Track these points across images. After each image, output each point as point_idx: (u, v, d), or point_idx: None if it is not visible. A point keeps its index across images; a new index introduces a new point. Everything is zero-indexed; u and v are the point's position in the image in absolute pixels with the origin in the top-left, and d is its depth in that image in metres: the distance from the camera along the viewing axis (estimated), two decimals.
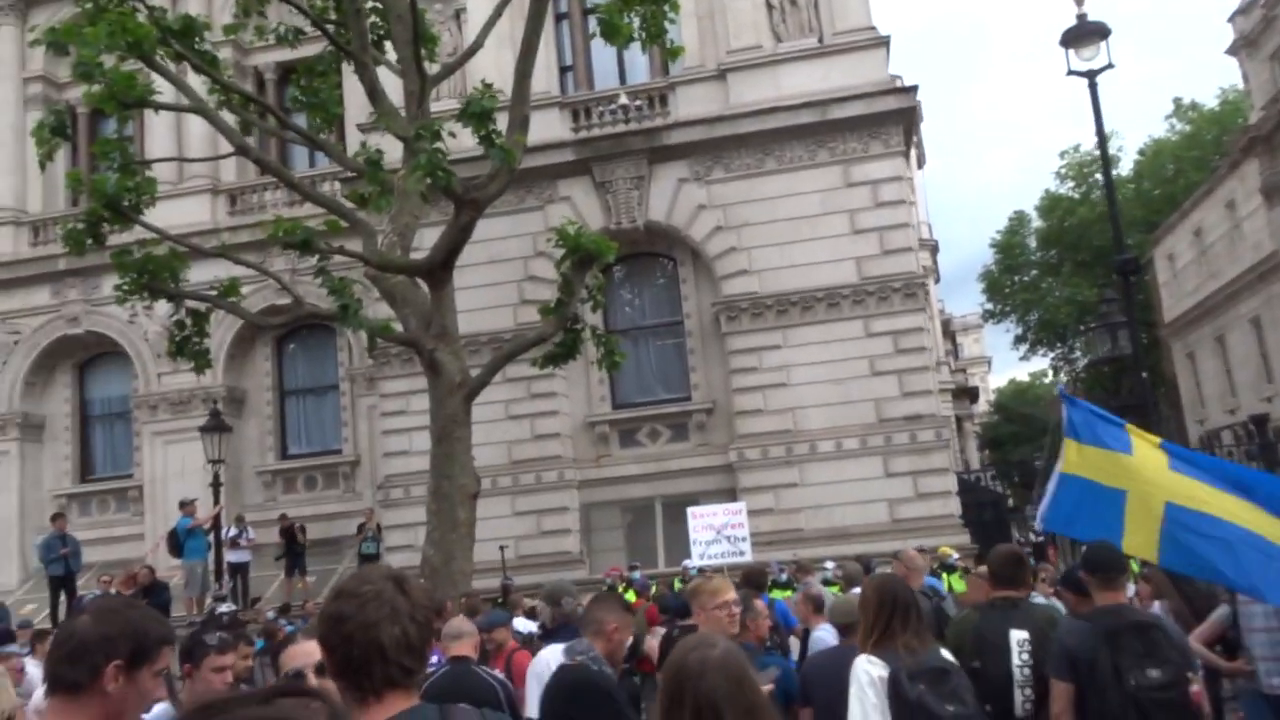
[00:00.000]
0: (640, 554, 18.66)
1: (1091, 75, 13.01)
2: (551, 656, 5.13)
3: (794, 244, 18.37)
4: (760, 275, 18.56)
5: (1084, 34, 13.10)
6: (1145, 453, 5.52)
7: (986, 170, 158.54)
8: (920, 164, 44.63)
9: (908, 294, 18.20)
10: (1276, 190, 39.12)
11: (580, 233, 12.74)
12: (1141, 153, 60.13)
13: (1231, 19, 40.56)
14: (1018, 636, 4.96)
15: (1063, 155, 61.74)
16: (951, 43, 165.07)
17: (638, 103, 19.44)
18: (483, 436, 12.76)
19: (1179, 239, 50.58)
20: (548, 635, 5.81)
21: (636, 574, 16.25)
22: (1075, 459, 5.64)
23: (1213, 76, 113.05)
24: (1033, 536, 23.02)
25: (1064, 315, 57.94)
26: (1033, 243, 63.87)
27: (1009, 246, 64.03)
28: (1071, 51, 13.35)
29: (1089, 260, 56.00)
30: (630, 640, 4.78)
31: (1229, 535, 5.11)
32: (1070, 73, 13.14)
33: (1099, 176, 58.81)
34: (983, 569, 6.59)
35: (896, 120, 18.63)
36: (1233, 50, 41.02)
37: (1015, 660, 4.92)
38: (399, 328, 13.01)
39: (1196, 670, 4.62)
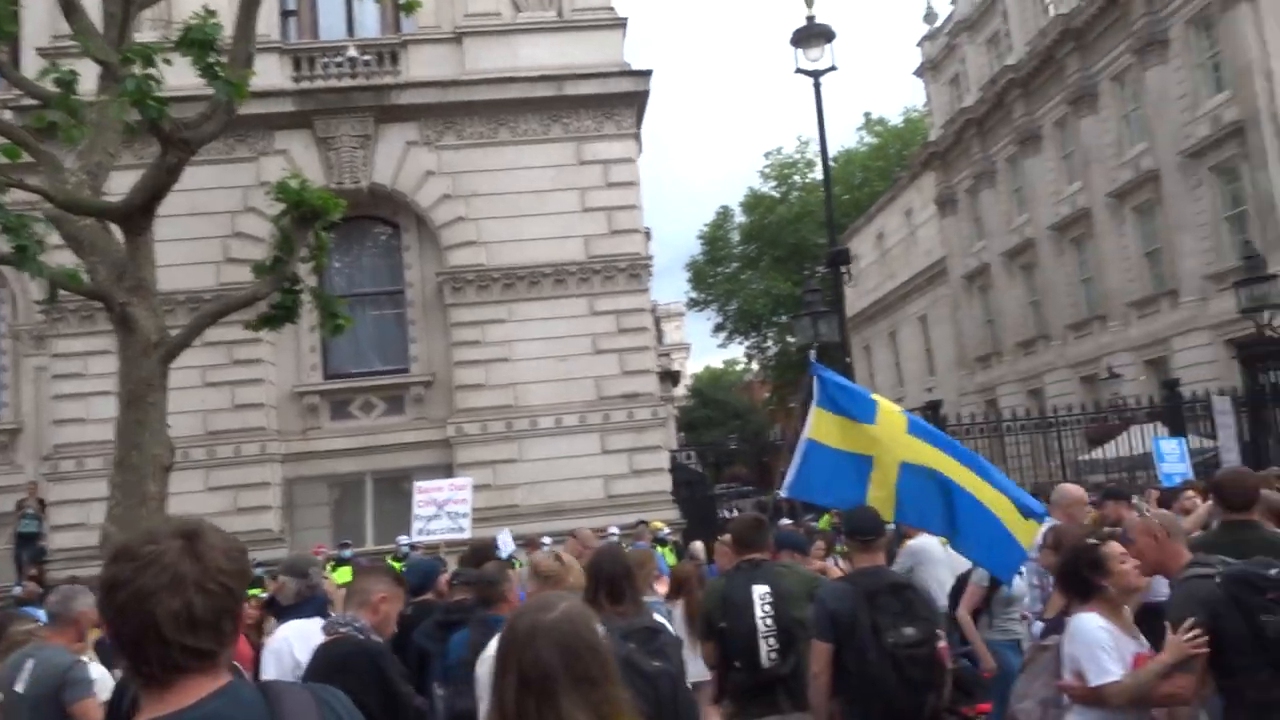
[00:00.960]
0: (348, 532, 17.83)
1: (817, 75, 13.77)
2: (296, 633, 4.66)
3: (524, 218, 18.17)
4: (488, 247, 18.21)
5: (812, 35, 13.83)
6: (888, 420, 5.82)
7: (698, 164, 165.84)
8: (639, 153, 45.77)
9: (632, 275, 18.51)
10: (949, 202, 43.47)
11: (304, 186, 11.84)
12: (834, 160, 64.87)
13: (920, 43, 44.55)
14: (759, 591, 5.13)
15: (767, 156, 65.85)
16: (673, 34, 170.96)
17: (366, 57, 18.46)
18: (174, 405, 11.54)
19: (863, 241, 55.08)
20: (285, 611, 5.27)
21: (348, 552, 15.49)
22: (824, 427, 5.83)
23: (900, 95, 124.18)
24: (735, 513, 24.24)
25: (760, 306, 61.67)
26: (736, 237, 67.34)
27: (714, 239, 67.16)
28: (800, 51, 14.07)
29: (785, 256, 59.89)
30: (398, 611, 4.40)
31: (959, 502, 5.51)
32: (798, 71, 13.86)
33: (798, 178, 63.05)
34: (727, 537, 6.74)
35: (630, 102, 18.86)
36: (919, 72, 45.09)
37: (758, 613, 5.07)
38: (86, 278, 11.53)
39: (942, 627, 4.92)
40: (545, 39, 18.66)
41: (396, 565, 13.72)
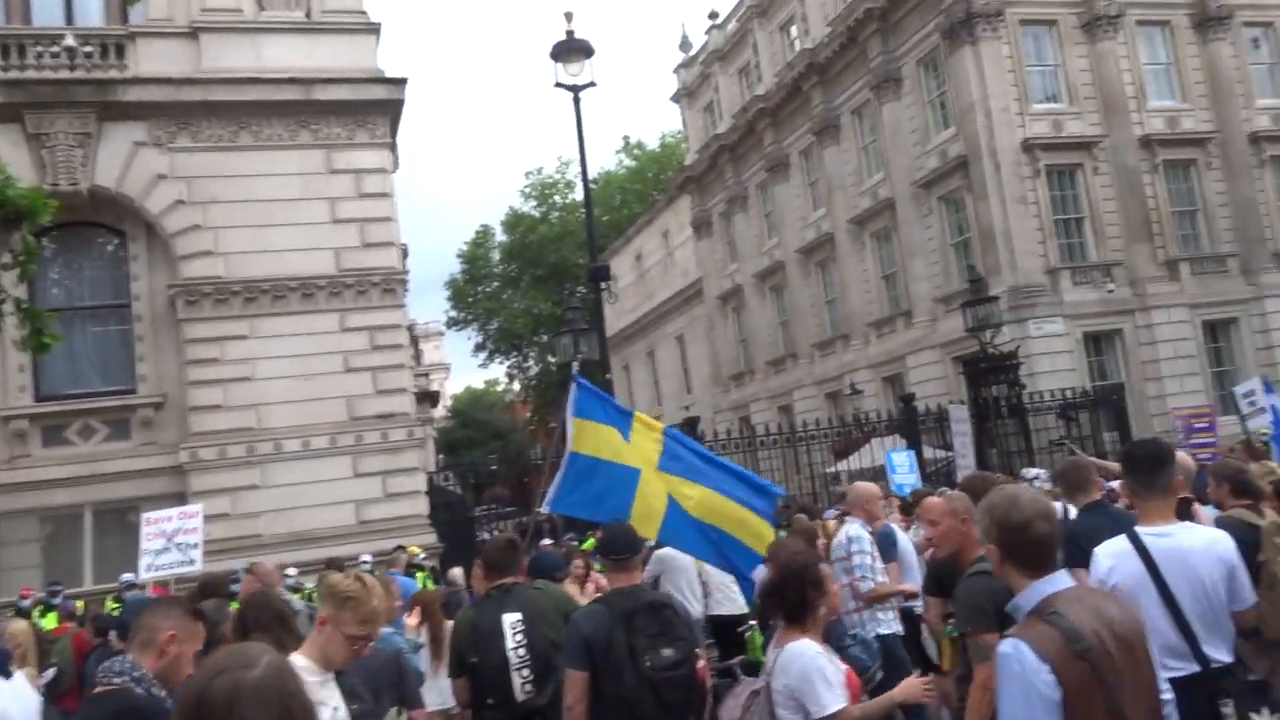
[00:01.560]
0: (62, 571, 15.97)
1: (576, 90, 13.67)
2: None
3: (268, 227, 17.00)
4: (227, 258, 16.90)
5: (571, 50, 13.72)
6: (642, 446, 5.63)
7: (458, 181, 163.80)
8: (394, 166, 44.51)
9: (386, 289, 17.73)
10: (704, 225, 44.83)
11: (8, 184, 10.51)
12: (594, 182, 65.59)
13: (676, 70, 45.81)
14: (510, 619, 4.81)
15: (528, 175, 65.92)
16: (433, 46, 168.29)
17: (88, 49, 16.75)
18: None
19: (622, 262, 55.93)
20: None
21: (59, 597, 13.85)
22: (587, 439, 5.58)
23: (658, 120, 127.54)
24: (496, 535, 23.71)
25: (521, 325, 61.42)
26: (496, 256, 66.81)
27: (474, 258, 66.36)
28: (560, 65, 13.93)
29: (546, 275, 59.96)
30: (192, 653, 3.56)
31: (711, 535, 5.48)
32: (558, 85, 13.71)
33: (558, 199, 63.36)
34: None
35: (384, 111, 18.10)
36: (676, 98, 46.34)
37: (509, 643, 4.74)
38: None
39: (700, 645, 4.74)
40: (291, 40, 17.60)
41: (114, 606, 12.39)
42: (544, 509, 5.82)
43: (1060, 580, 2.85)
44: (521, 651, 4.74)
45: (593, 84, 13.71)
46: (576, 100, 13.61)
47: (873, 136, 32.24)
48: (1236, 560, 3.96)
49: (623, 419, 5.66)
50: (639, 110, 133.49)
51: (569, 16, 13.82)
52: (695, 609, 9.08)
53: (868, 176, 32.65)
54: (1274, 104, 29.54)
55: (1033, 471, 7.46)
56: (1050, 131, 27.24)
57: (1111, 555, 3.98)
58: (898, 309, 31.32)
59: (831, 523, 9.02)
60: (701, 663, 4.52)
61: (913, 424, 18.93)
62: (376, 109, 17.98)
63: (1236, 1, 29.26)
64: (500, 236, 65.95)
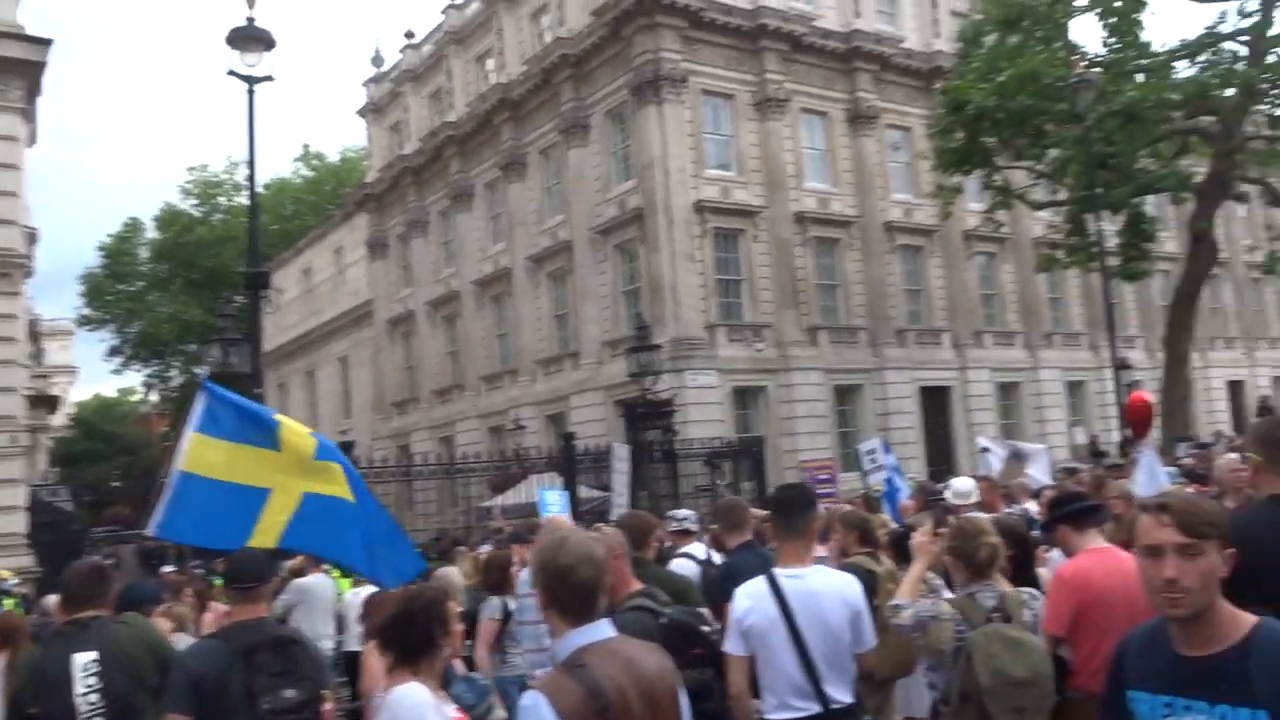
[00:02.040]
0: None
1: (252, 81, 12.71)
2: None
3: None
4: None
5: (250, 38, 12.75)
6: (293, 444, 5.09)
7: (105, 170, 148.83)
8: (31, 141, 39.61)
9: (2, 273, 15.57)
10: (380, 245, 43.57)
11: None
12: (267, 187, 61.93)
13: (366, 84, 44.45)
14: (82, 660, 4.13)
15: (192, 171, 61.11)
16: (96, 13, 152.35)
17: None
18: None
19: (289, 275, 53.13)
20: None
21: None
22: (205, 456, 4.95)
23: (342, 133, 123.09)
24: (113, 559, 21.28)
25: (167, 331, 56.60)
26: (145, 253, 61.33)
27: (119, 253, 60.56)
28: (237, 53, 12.90)
29: (201, 280, 55.73)
30: None
31: (361, 521, 5.05)
32: (231, 73, 12.68)
33: (224, 200, 59.29)
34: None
35: (20, 72, 15.99)
36: (363, 112, 44.91)
37: (78, 689, 4.07)
38: None
39: (330, 686, 4.31)
40: None
41: None
42: (150, 533, 5.11)
43: (598, 630, 2.75)
44: (94, 698, 4.05)
45: (270, 78, 12.79)
46: (251, 92, 12.65)
47: (557, 179, 32.87)
48: (862, 605, 4.17)
49: (263, 428, 5.07)
50: (321, 121, 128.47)
51: (251, 2, 12.86)
52: (328, 644, 8.51)
53: (549, 217, 33.19)
54: (906, 198, 33.30)
55: (682, 513, 7.64)
56: (720, 196, 29.06)
57: (749, 596, 4.09)
58: (566, 349, 31.93)
59: (483, 556, 8.79)
60: (329, 705, 4.11)
61: (571, 462, 19.17)
62: (11, 69, 15.85)
63: (883, 105, 32.82)
64: (152, 233, 60.59)
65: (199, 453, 5.01)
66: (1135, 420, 9.79)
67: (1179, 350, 22.84)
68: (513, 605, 6.92)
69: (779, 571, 4.09)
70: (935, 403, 32.03)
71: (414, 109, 41.12)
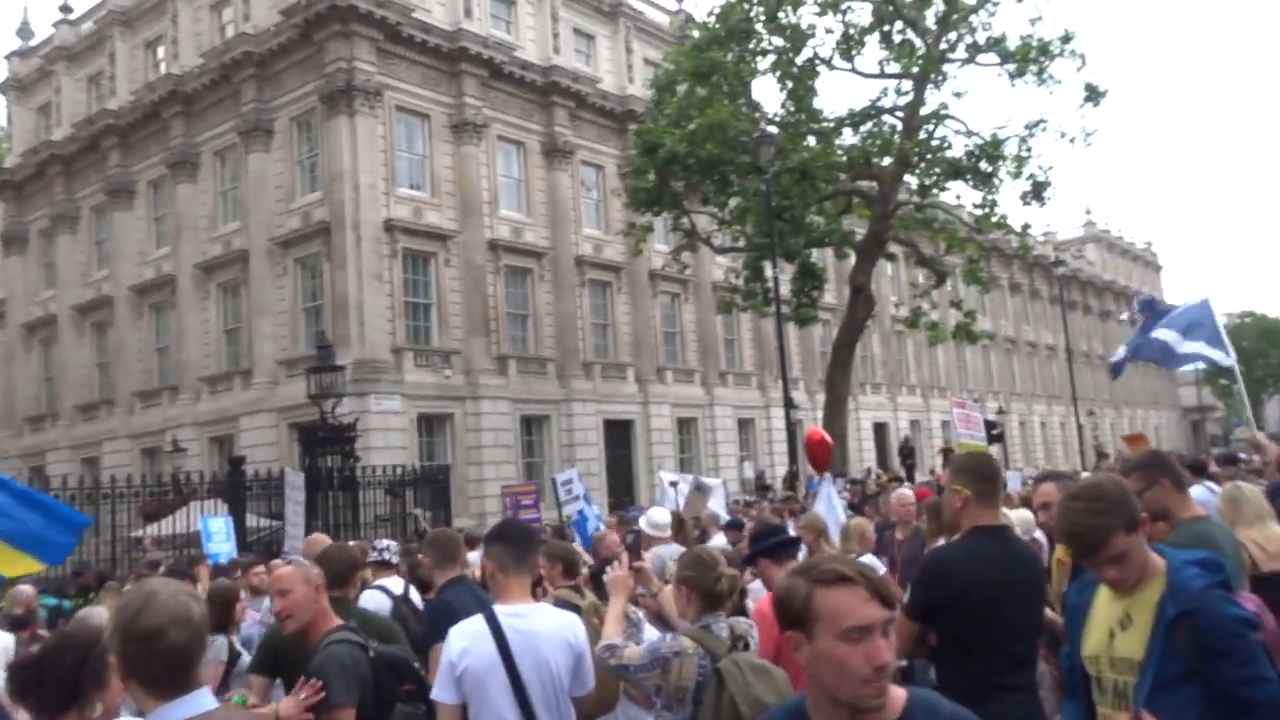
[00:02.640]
0: None
1: None
2: None
3: None
4: None
5: None
6: None
7: None
8: None
9: None
10: (18, 239, 38.71)
11: None
12: None
13: (9, 57, 39.42)
14: None
15: None
16: None
17: None
18: None
19: None
20: None
21: None
22: None
23: None
24: None
25: None
26: None
27: None
28: None
29: None
30: None
31: None
32: None
33: None
34: None
35: None
36: (3, 88, 39.75)
37: None
38: None
39: None
40: None
41: None
42: None
43: (199, 701, 2.31)
44: None
45: None
46: None
47: (234, 183, 30.62)
48: (585, 646, 3.91)
49: None
50: None
51: None
52: None
53: (223, 223, 30.83)
54: (597, 234, 34.06)
55: (383, 542, 7.03)
56: (411, 217, 28.25)
57: (466, 636, 3.76)
58: (237, 366, 29.65)
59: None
60: None
61: (239, 488, 17.69)
62: None
63: (577, 141, 33.45)
64: None
65: None
66: (815, 455, 10.33)
67: (838, 393, 24.82)
68: (239, 646, 6.03)
69: (500, 609, 3.76)
70: (619, 435, 32.80)
71: (67, 91, 36.88)
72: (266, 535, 17.24)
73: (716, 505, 13.21)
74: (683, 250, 25.94)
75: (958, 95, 24.70)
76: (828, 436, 10.92)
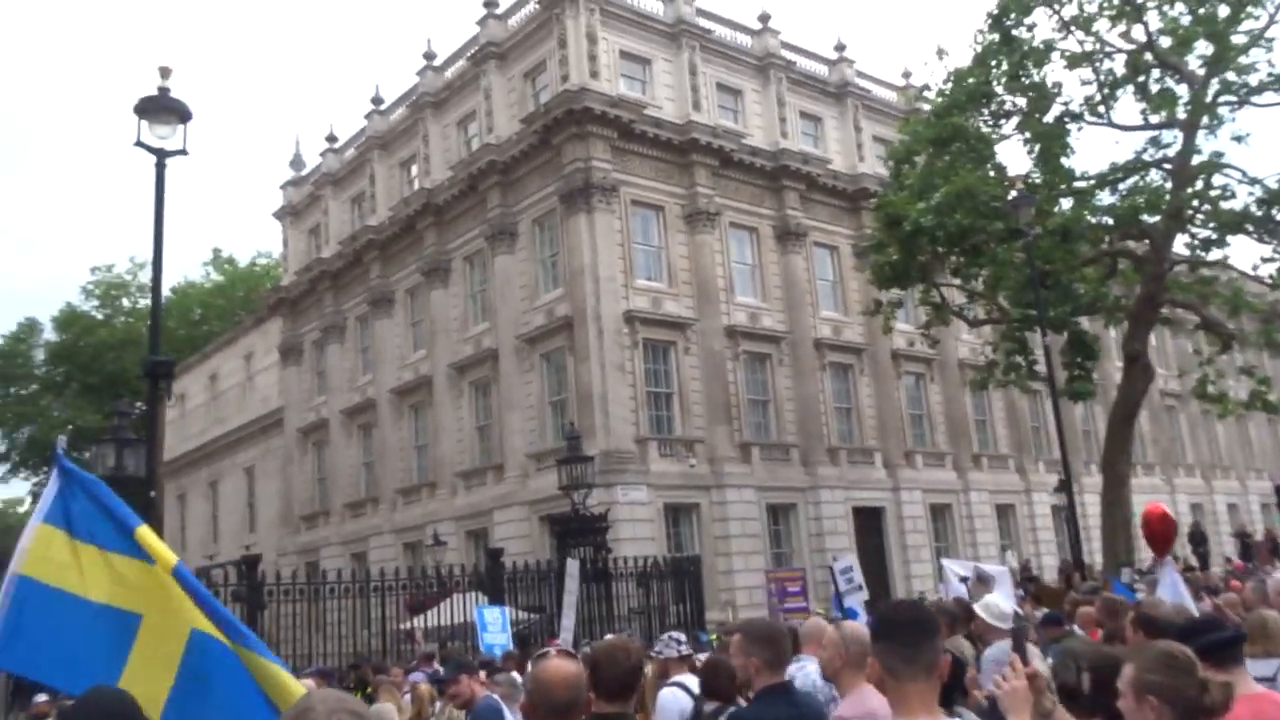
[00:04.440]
0: None
1: (162, 154, 11.62)
2: None
3: None
4: None
5: (163, 108, 11.71)
6: (161, 560, 3.79)
7: (17, 262, 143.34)
8: None
9: None
10: (293, 351, 41.89)
11: None
12: (174, 291, 60.04)
13: (284, 187, 43.44)
14: None
15: (94, 271, 58.78)
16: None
17: None
18: None
19: (195, 381, 50.92)
20: None
21: None
22: (56, 559, 3.66)
23: (255, 237, 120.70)
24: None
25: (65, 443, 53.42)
26: (40, 355, 58.45)
27: (11, 354, 57.62)
28: (146, 124, 11.84)
29: (99, 385, 53.08)
30: None
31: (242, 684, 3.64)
32: (138, 144, 11.58)
33: (127, 302, 57.02)
34: None
35: None
36: (280, 215, 43.78)
37: None
38: None
39: None
40: None
41: None
42: None
43: None
44: None
45: (184, 152, 11.70)
46: (160, 166, 11.55)
47: (482, 285, 32.00)
48: None
49: (122, 538, 3.75)
50: (233, 226, 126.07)
51: (165, 72, 11.87)
52: None
53: (473, 324, 32.17)
54: (835, 316, 33.20)
55: (677, 635, 6.46)
56: (650, 307, 28.45)
57: None
58: (489, 461, 30.51)
59: (423, 687, 7.43)
60: None
61: (498, 580, 17.76)
62: None
63: (811, 223, 32.96)
64: (49, 334, 57.79)
65: (43, 551, 3.74)
66: (1156, 534, 8.89)
67: (1119, 473, 22.52)
68: None
69: None
70: (869, 523, 31.28)
71: (334, 212, 40.12)
72: (525, 628, 17.14)
73: (1004, 595, 11.87)
74: (932, 325, 24.61)
75: (1238, 140, 22.10)
76: (1170, 513, 9.39)
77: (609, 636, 4.93)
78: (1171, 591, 7.71)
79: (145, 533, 3.84)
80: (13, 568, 3.60)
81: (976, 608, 6.85)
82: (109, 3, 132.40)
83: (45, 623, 3.57)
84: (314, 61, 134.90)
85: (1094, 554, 27.76)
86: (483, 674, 7.46)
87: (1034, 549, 35.10)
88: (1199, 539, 31.02)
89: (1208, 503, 43.89)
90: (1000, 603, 6.79)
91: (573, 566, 15.10)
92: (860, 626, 4.68)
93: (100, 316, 56.39)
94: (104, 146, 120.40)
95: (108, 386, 51.74)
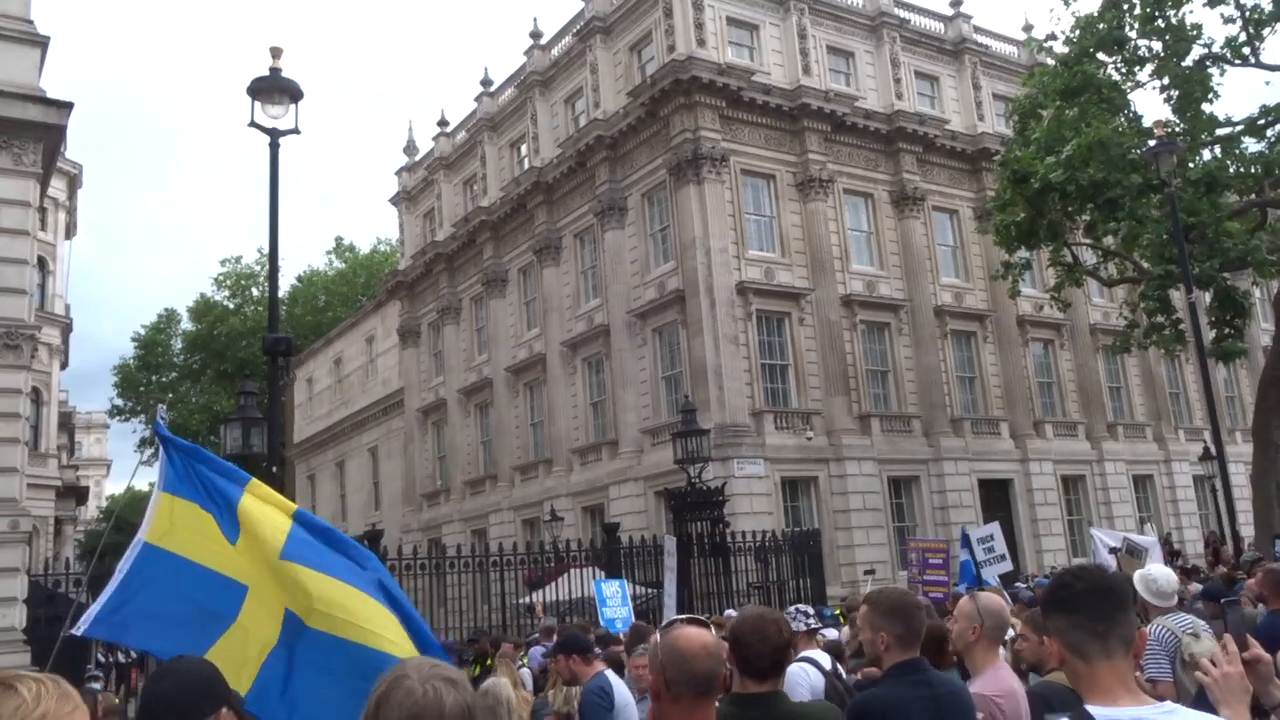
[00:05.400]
0: None
1: (275, 134, 11.71)
2: None
3: None
4: None
5: (275, 88, 11.79)
6: (265, 528, 3.59)
7: (144, 267, 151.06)
8: (70, 233, 39.41)
9: (9, 345, 14.47)
10: (411, 334, 42.68)
11: None
12: (299, 279, 61.85)
13: (398, 173, 44.17)
14: None
15: (224, 263, 61.03)
16: (135, 124, 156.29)
17: None
18: None
19: (320, 365, 52.42)
20: None
21: None
22: (180, 527, 3.54)
23: (374, 223, 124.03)
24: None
25: (197, 422, 55.78)
26: (178, 344, 61.06)
27: (153, 343, 60.34)
28: (258, 105, 11.96)
29: (231, 371, 55.13)
30: None
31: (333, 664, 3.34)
32: (252, 124, 11.69)
33: (255, 291, 59.03)
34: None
35: (37, 135, 15.14)
36: (395, 200, 44.56)
37: None
38: None
39: None
40: None
41: None
42: (76, 630, 3.62)
43: None
44: None
45: (296, 131, 11.80)
46: (274, 145, 11.64)
47: (593, 262, 31.90)
48: None
49: (224, 505, 3.56)
50: (353, 214, 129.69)
51: (276, 52, 11.96)
52: None
53: (585, 301, 32.13)
54: (955, 282, 32.02)
55: (803, 608, 6.09)
56: (763, 278, 27.88)
57: None
58: (604, 437, 30.47)
59: (526, 664, 7.25)
60: None
61: (615, 556, 17.61)
62: (28, 131, 15.01)
63: (929, 187, 31.82)
64: (186, 324, 60.34)
65: (165, 519, 3.62)
66: None
67: (1269, 439, 21.06)
68: None
69: (1100, 713, 2.22)
70: (996, 496, 30.15)
71: (446, 196, 40.62)
72: (642, 603, 16.96)
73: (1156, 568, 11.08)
74: (1062, 288, 23.38)
75: None
76: None
77: (745, 606, 4.56)
78: None
79: (257, 485, 3.69)
80: (138, 535, 3.54)
81: (1135, 582, 6.24)
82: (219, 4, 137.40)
83: (154, 586, 3.46)
84: (425, 48, 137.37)
85: (1240, 526, 26.12)
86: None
87: (1174, 522, 33.33)
88: None
89: None
90: (1163, 576, 6.16)
91: (669, 544, 14.86)
92: (996, 598, 4.25)
93: (230, 306, 58.54)
94: (234, 148, 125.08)
95: (240, 372, 53.69)
